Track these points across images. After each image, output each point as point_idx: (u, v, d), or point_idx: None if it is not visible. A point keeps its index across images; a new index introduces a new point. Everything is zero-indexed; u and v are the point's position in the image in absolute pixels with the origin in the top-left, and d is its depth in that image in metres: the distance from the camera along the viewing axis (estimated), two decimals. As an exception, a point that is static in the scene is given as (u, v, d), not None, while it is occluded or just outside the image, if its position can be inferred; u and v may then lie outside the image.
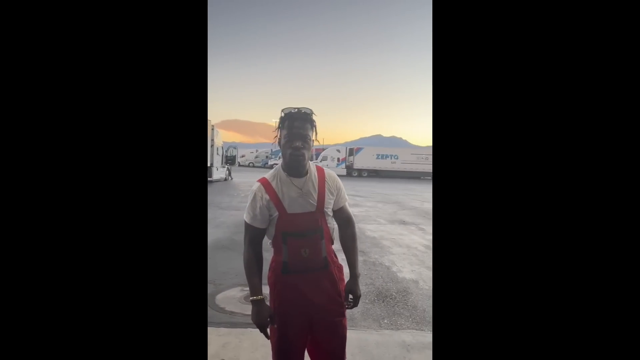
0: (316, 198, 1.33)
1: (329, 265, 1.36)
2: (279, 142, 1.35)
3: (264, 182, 1.34)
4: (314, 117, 1.33)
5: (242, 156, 34.32)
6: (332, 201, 1.39)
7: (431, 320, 2.73)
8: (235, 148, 20.02)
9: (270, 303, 1.38)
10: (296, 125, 1.28)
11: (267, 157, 32.21)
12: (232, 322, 2.56)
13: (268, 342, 2.23)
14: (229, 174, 16.51)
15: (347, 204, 1.46)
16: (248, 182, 14.93)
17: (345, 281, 1.45)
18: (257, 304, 1.32)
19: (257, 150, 35.34)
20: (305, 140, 1.28)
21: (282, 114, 1.32)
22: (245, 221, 1.37)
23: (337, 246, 1.42)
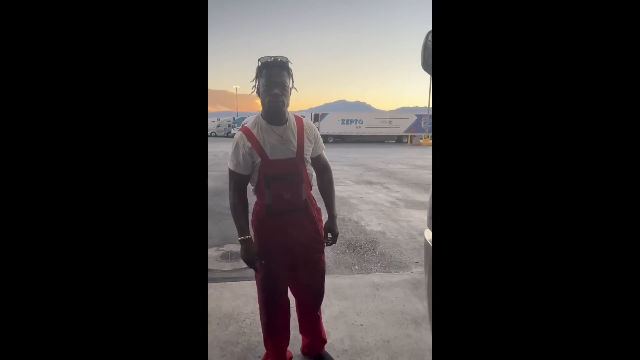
0: (296, 145, 1.40)
1: (308, 207, 1.46)
2: (258, 92, 1.38)
3: (245, 131, 1.39)
4: (290, 65, 1.36)
5: (203, 126, 32.88)
6: (311, 149, 1.47)
7: (397, 264, 2.99)
8: None
9: (255, 244, 1.48)
10: (274, 73, 1.32)
11: (229, 125, 31.16)
12: (211, 277, 2.65)
13: (247, 291, 2.38)
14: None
15: (324, 152, 1.55)
16: (211, 152, 14.53)
17: (324, 222, 1.56)
18: (246, 243, 1.41)
19: (218, 119, 34.00)
20: (284, 87, 1.33)
21: (259, 63, 1.35)
22: (229, 169, 1.42)
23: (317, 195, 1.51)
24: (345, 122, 25.25)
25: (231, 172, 1.42)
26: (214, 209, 4.76)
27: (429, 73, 1.31)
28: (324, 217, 1.61)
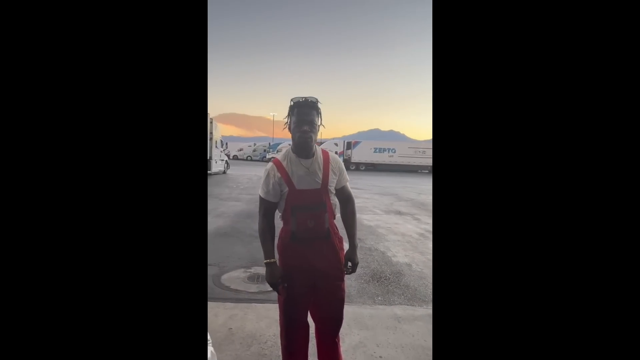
0: (321, 177, 1.53)
1: (331, 236, 1.55)
2: (289, 128, 1.54)
3: (276, 162, 1.54)
4: (319, 105, 1.52)
5: (240, 149, 34.36)
6: (335, 180, 1.59)
7: (422, 297, 2.94)
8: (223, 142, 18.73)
9: (280, 267, 1.58)
10: (304, 112, 1.48)
11: (264, 150, 32.28)
12: (237, 298, 2.75)
13: (271, 313, 2.45)
14: (227, 167, 16.66)
15: (347, 184, 1.66)
16: (246, 175, 15.07)
17: (345, 251, 1.64)
18: (270, 266, 1.52)
19: (255, 144, 35.40)
20: (312, 125, 1.49)
21: (292, 103, 1.52)
22: (260, 196, 1.57)
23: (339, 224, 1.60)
24: (377, 150, 25.31)
25: (261, 199, 1.56)
26: (244, 231, 4.94)
27: None
28: (347, 246, 1.68)
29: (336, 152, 27.01)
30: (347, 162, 25.66)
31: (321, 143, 29.57)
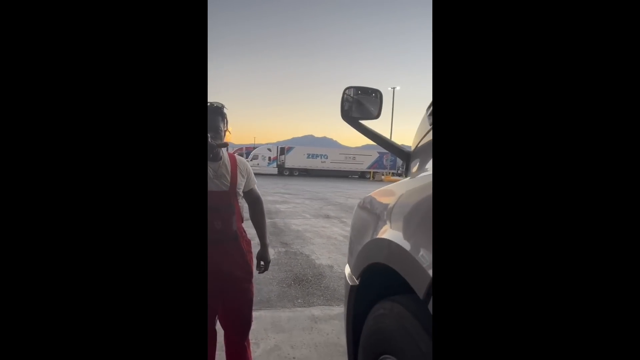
0: (229, 179, 1.53)
1: (238, 238, 1.56)
2: None
3: None
4: (225, 110, 1.52)
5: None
6: (244, 183, 1.60)
7: (341, 297, 3.07)
8: None
9: None
10: (209, 118, 1.48)
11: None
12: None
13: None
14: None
15: (255, 186, 1.68)
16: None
17: (254, 253, 1.66)
18: None
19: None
20: (217, 131, 1.48)
21: None
22: None
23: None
24: (310, 156, 25.77)
25: None
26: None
27: (347, 122, 1.50)
28: (255, 250, 1.70)
29: (270, 158, 26.88)
30: (281, 167, 25.65)
31: (254, 148, 29.14)
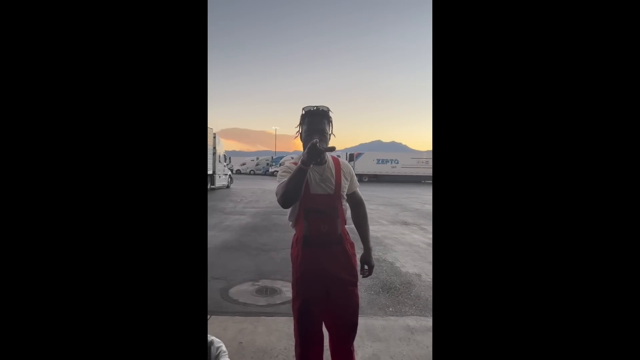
0: (334, 182, 1.53)
1: (343, 241, 1.54)
2: (301, 137, 1.54)
3: (293, 164, 1.53)
4: (331, 114, 1.52)
5: (243, 164, 34.51)
6: (347, 186, 1.59)
7: (434, 307, 2.88)
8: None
9: (292, 274, 1.55)
10: (315, 120, 1.49)
11: (267, 164, 32.40)
12: (245, 311, 2.71)
13: (281, 327, 2.41)
14: (231, 181, 16.70)
15: (357, 189, 1.66)
16: (249, 189, 15.09)
17: (357, 256, 1.62)
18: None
19: (257, 158, 35.57)
20: (323, 133, 1.49)
21: (303, 112, 1.53)
22: (279, 184, 1.44)
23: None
24: (380, 161, 25.36)
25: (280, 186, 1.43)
26: (250, 244, 4.91)
27: None
28: (358, 253, 1.66)
29: (339, 165, 27.04)
30: (350, 174, 25.56)
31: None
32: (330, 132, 1.54)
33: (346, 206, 1.61)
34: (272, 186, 14.40)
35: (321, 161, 1.52)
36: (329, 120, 1.52)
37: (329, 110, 1.52)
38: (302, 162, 1.33)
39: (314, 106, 1.51)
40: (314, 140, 1.31)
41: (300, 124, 1.54)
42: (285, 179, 1.41)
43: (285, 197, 1.39)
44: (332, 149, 1.50)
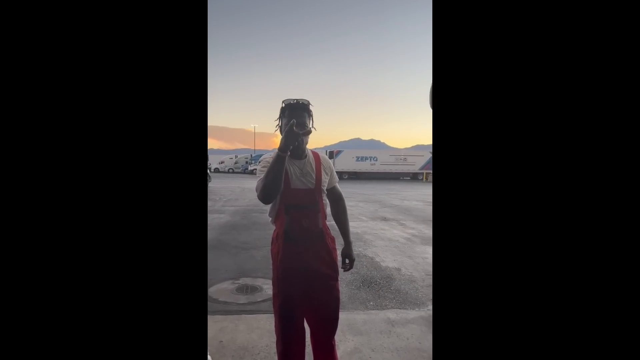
0: (315, 177, 1.52)
1: (324, 236, 1.54)
2: (281, 130, 1.51)
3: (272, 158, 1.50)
4: (311, 107, 1.51)
5: (222, 162, 33.90)
6: (327, 180, 1.59)
7: (413, 301, 2.94)
8: None
9: (273, 271, 1.54)
10: (295, 114, 1.46)
11: (247, 162, 31.96)
12: (226, 310, 2.67)
13: (262, 324, 2.39)
14: (209, 179, 16.40)
15: (337, 184, 1.66)
16: (228, 187, 14.86)
17: (338, 251, 1.63)
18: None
19: (236, 156, 35.01)
20: (303, 127, 1.46)
21: (283, 105, 1.50)
22: (258, 180, 1.43)
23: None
24: (359, 159, 25.54)
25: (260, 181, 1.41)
26: (229, 242, 4.84)
27: None
28: (338, 248, 1.67)
29: (319, 162, 27.07)
30: (330, 172, 25.64)
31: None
32: (310, 126, 1.52)
33: (326, 201, 1.61)
34: (251, 184, 14.25)
35: (300, 155, 1.51)
36: (309, 113, 1.50)
37: (309, 103, 1.51)
38: (280, 148, 1.31)
39: (294, 99, 1.49)
40: (292, 121, 1.30)
41: (280, 117, 1.52)
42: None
43: (265, 191, 1.37)
44: (309, 132, 1.47)
